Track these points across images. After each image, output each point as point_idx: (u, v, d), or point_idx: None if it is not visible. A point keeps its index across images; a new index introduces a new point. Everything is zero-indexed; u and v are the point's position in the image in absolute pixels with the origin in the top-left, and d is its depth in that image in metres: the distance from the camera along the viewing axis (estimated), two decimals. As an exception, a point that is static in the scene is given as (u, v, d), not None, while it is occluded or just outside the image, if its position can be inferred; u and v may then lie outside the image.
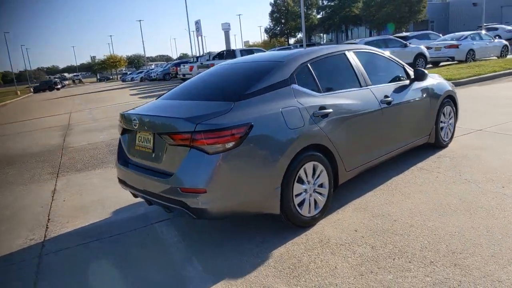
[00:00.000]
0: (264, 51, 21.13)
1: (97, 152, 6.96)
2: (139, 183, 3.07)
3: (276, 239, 2.96)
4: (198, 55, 35.03)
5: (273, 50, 22.99)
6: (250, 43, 77.48)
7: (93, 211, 4.01)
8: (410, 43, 16.07)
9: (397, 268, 2.42)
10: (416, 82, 4.29)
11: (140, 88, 27.35)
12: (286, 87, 3.07)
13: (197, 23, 39.39)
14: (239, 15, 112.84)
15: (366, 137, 3.56)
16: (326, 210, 3.23)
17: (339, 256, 2.64)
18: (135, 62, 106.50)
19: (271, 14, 59.25)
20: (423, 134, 4.38)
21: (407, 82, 4.22)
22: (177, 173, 2.66)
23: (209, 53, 28.12)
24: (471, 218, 2.97)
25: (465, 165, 4.13)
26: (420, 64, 15.13)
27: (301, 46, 29.59)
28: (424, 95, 4.31)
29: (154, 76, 37.81)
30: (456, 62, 15.89)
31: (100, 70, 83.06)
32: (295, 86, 3.13)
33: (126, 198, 4.19)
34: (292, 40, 62.58)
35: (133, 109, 3.45)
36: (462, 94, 7.63)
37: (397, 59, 4.37)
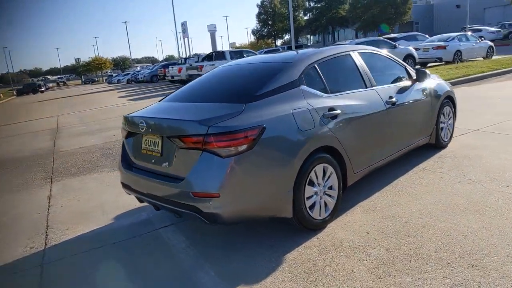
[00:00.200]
0: (254, 53, 21.14)
1: (91, 156, 6.81)
2: (145, 188, 2.99)
3: (287, 242, 2.92)
4: (184, 56, 34.82)
5: (261, 52, 23.01)
6: (237, 44, 77.51)
7: (93, 217, 3.90)
8: (398, 45, 16.25)
9: (415, 270, 2.40)
10: (417, 83, 4.30)
11: (128, 90, 27.02)
12: (295, 88, 3.03)
13: (183, 24, 39.22)
14: (226, 16, 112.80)
15: (372, 138, 3.55)
16: (336, 213, 3.20)
17: (354, 259, 2.61)
18: (120, 64, 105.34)
19: (258, 15, 59.40)
20: (425, 134, 4.40)
21: (409, 82, 4.23)
22: (188, 177, 2.59)
23: (198, 55, 27.94)
24: (481, 218, 2.97)
25: (467, 165, 4.15)
26: (409, 65, 15.28)
27: (289, 47, 29.70)
28: (425, 96, 4.33)
29: (141, 78, 37.41)
30: (443, 63, 16.14)
31: (85, 72, 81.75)
32: (304, 87, 3.10)
33: (126, 203, 4.10)
34: (279, 42, 62.82)
35: (137, 111, 3.36)
36: (455, 95, 7.70)
37: (398, 59, 4.38)
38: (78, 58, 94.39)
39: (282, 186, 2.73)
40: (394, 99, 3.79)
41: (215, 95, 3.25)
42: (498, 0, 39.56)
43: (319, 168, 2.98)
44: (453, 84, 10.58)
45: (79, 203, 4.38)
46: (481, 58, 16.80)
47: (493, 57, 16.88)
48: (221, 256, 2.86)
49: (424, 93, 4.32)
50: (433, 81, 4.60)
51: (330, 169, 3.07)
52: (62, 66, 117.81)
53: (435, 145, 4.70)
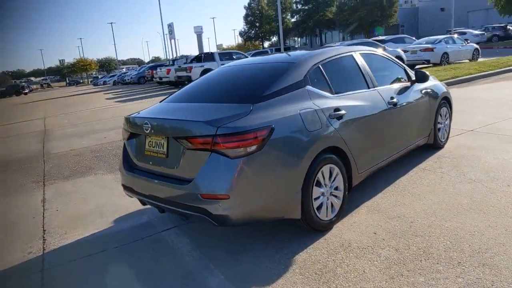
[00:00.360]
0: (244, 54, 21.10)
1: (83, 158, 6.67)
2: (149, 190, 2.92)
3: (294, 244, 2.89)
4: (172, 58, 34.58)
5: (249, 54, 22.96)
6: (224, 46, 77.15)
7: (92, 220, 3.81)
8: (386, 47, 16.44)
9: (427, 270, 2.40)
10: (416, 84, 4.34)
11: (115, 92, 26.66)
12: (301, 89, 3.01)
13: (170, 26, 38.94)
14: (213, 18, 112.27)
15: (376, 138, 3.56)
16: (342, 213, 3.19)
17: (364, 260, 2.59)
18: (106, 65, 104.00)
19: (246, 17, 59.44)
20: (424, 134, 4.44)
21: (409, 83, 4.26)
22: (196, 179, 2.54)
23: (186, 56, 27.76)
24: (486, 217, 3.00)
25: (465, 165, 4.20)
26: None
27: (277, 50, 29.72)
28: (424, 97, 4.36)
29: (128, 79, 36.95)
30: (431, 65, 16.38)
31: (70, 74, 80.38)
32: (310, 87, 3.08)
33: (124, 206, 4.02)
34: (266, 44, 62.96)
35: (137, 112, 3.29)
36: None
37: (398, 60, 4.41)
38: (62, 60, 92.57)
39: (291, 187, 2.70)
40: (395, 100, 3.81)
41: (220, 96, 3.20)
42: (481, 4, 40.46)
43: (326, 169, 2.96)
44: (443, 85, 10.75)
45: (75, 206, 4.27)
46: (467, 60, 17.12)
47: (479, 59, 17.22)
48: (228, 258, 2.81)
49: (423, 94, 4.36)
50: (430, 82, 4.64)
51: (336, 170, 3.06)
52: (45, 67, 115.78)
53: (433, 146, 4.75)
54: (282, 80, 2.97)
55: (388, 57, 4.32)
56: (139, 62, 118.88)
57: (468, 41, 18.70)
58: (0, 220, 4.12)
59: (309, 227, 2.92)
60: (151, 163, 2.93)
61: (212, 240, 3.13)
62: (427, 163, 4.40)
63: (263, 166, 2.57)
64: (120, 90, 28.95)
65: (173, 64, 25.01)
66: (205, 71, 18.88)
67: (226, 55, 20.93)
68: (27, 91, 49.69)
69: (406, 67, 4.42)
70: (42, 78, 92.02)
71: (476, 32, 31.33)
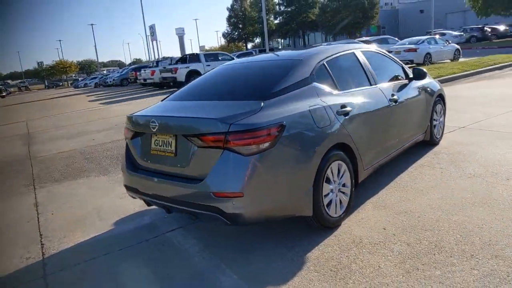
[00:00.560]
0: (230, 55, 21.01)
1: (72, 160, 6.49)
2: (156, 190, 2.85)
3: (305, 242, 2.87)
4: (153, 59, 34.17)
5: (234, 55, 22.87)
6: (207, 47, 76.81)
7: (91, 223, 3.69)
8: (371, 47, 16.67)
9: (441, 263, 2.41)
10: (414, 81, 4.39)
11: (97, 94, 26.15)
12: (308, 86, 3.00)
13: (152, 27, 38.52)
14: (196, 19, 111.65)
15: (379, 134, 3.58)
16: (349, 210, 3.18)
17: (378, 255, 2.59)
18: (86, 67, 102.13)
19: (229, 19, 59.36)
20: (421, 131, 4.49)
21: (407, 81, 4.31)
22: (208, 177, 2.49)
23: (170, 58, 27.43)
24: (492, 210, 3.04)
25: (463, 161, 4.27)
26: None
27: (261, 51, 29.76)
28: (421, 94, 4.42)
29: (111, 81, 36.33)
30: (414, 65, 16.67)
31: (49, 76, 78.47)
32: (316, 84, 3.07)
33: (123, 207, 3.93)
34: (250, 45, 63.02)
35: (140, 111, 3.22)
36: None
37: (396, 58, 4.46)
38: (40, 62, 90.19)
39: (303, 184, 2.68)
40: (395, 97, 3.84)
41: (228, 93, 3.15)
42: (459, 6, 41.53)
43: (334, 165, 2.95)
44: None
45: (72, 209, 4.14)
46: (449, 60, 17.52)
47: (460, 59, 17.64)
48: (239, 258, 2.77)
49: (421, 91, 4.42)
50: (426, 80, 4.70)
51: (344, 166, 3.05)
52: (23, 70, 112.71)
53: (429, 142, 4.81)
54: (290, 77, 2.95)
55: (387, 54, 4.36)
56: (120, 64, 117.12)
57: (450, 42, 19.15)
58: (-8, 225, 3.96)
59: (319, 224, 2.90)
60: (158, 162, 2.86)
61: (220, 240, 3.08)
62: (425, 159, 4.45)
63: (275, 163, 2.54)
64: (102, 92, 28.43)
65: (157, 66, 24.70)
66: (191, 72, 18.74)
67: (211, 56, 20.78)
68: (4, 94, 48.23)
69: (404, 65, 4.47)
70: (19, 80, 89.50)
71: (455, 33, 32.15)
